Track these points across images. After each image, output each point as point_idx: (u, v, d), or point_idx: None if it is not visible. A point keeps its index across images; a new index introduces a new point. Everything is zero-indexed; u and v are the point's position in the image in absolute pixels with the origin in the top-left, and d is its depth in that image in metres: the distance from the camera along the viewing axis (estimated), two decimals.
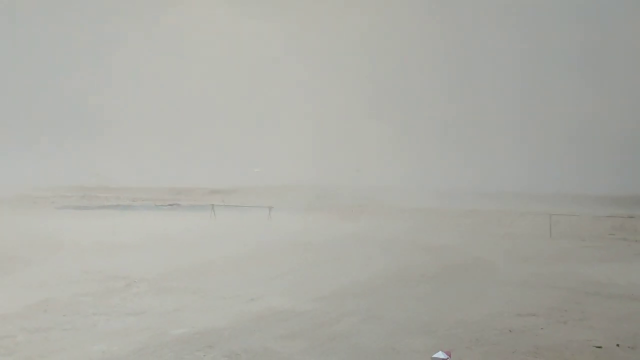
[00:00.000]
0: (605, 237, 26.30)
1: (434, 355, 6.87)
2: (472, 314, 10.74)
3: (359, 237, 24.65)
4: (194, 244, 21.53)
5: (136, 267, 15.65)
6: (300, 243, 22.11)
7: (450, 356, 6.97)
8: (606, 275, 15.33)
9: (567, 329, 9.87)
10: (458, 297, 12.42)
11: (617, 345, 8.96)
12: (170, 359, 8.12)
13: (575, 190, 48.71)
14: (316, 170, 54.68)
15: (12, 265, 15.52)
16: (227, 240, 23.09)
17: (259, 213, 36.91)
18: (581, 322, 10.28)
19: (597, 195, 47.73)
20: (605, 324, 10.16)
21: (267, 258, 18.09)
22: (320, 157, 56.66)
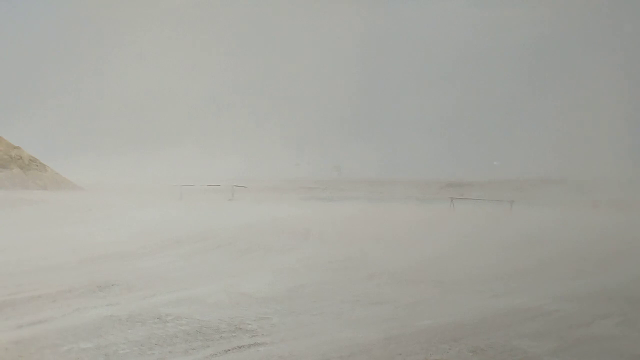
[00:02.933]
0: None
1: None
2: None
3: (600, 234, 23.06)
4: (433, 238, 21.55)
5: (377, 258, 16.03)
6: (543, 239, 21.19)
7: None
8: None
9: None
10: None
11: None
12: (415, 350, 8.19)
13: None
14: (559, 162, 51.95)
15: (266, 253, 16.65)
16: (466, 234, 22.80)
17: (499, 207, 36.02)
18: None
19: None
20: None
21: (509, 253, 17.59)
22: (560, 149, 53.73)
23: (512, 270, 14.68)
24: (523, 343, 8.53)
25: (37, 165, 50.38)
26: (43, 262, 14.44)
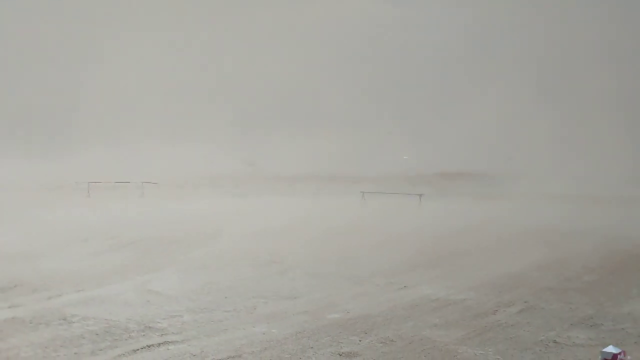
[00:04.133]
0: None
1: (604, 350, 6.50)
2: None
3: (512, 225, 23.90)
4: (345, 230, 21.76)
5: (290, 253, 16.06)
6: (451, 230, 21.76)
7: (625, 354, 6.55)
8: None
9: None
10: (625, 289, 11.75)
11: None
12: (327, 343, 8.27)
13: None
14: (466, 158, 53.44)
15: (177, 250, 16.41)
16: (378, 226, 23.15)
17: (409, 200, 36.72)
18: None
19: None
20: None
21: (419, 245, 17.96)
22: (477, 144, 55.25)
23: (421, 261, 15.01)
24: (432, 333, 8.75)
25: None
26: None
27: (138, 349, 7.96)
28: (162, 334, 8.55)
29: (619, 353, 6.41)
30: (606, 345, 7.20)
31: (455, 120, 57.22)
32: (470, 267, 14.26)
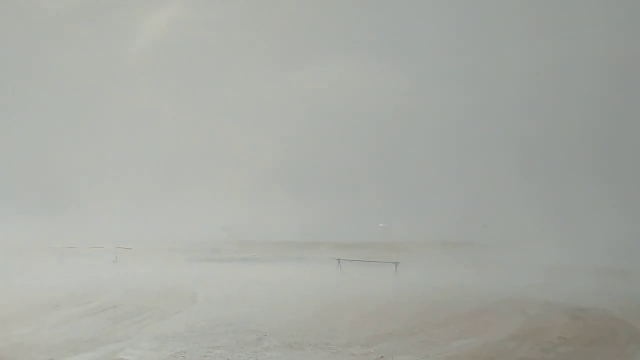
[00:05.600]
0: None
1: None
2: None
3: (489, 294, 23.90)
4: (321, 298, 21.61)
5: (265, 320, 15.88)
6: (428, 300, 21.71)
7: None
8: None
9: None
10: None
11: None
12: None
13: None
14: (443, 226, 53.68)
15: (151, 317, 16.16)
16: (354, 295, 23.02)
17: (385, 268, 36.64)
18: None
19: None
20: None
21: (395, 315, 17.87)
22: (450, 213, 55.57)
23: (399, 330, 14.91)
24: None
25: None
26: None
27: None
28: None
29: None
30: None
31: (436, 188, 57.69)
32: (447, 337, 14.18)
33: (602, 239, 40.91)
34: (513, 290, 25.00)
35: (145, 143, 61.45)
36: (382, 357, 11.75)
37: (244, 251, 52.32)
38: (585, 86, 52.72)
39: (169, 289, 23.22)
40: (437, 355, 12.00)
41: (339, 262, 36.99)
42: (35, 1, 61.00)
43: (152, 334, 13.69)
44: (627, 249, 39.82)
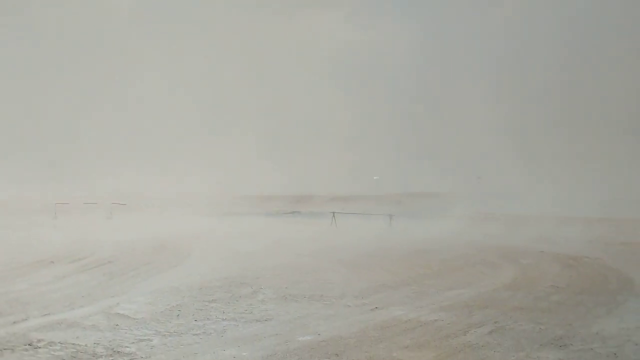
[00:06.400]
0: None
1: None
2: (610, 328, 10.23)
3: (482, 245, 24.08)
4: (316, 251, 21.73)
5: (261, 273, 15.97)
6: (421, 251, 21.87)
7: None
8: None
9: None
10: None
11: None
12: None
13: None
14: (436, 177, 53.77)
15: (146, 272, 16.22)
16: (349, 247, 23.15)
17: (379, 221, 36.82)
18: None
19: None
20: None
21: (389, 266, 17.99)
22: (443, 164, 55.62)
23: (392, 282, 15.03)
24: (403, 354, 8.73)
25: None
26: None
27: None
28: (130, 359, 8.41)
29: None
30: None
31: (430, 141, 57.62)
32: (441, 288, 14.30)
33: (595, 190, 41.14)
34: (505, 241, 25.20)
35: (139, 97, 60.93)
36: (376, 307, 11.83)
37: (239, 205, 52.50)
38: (581, 45, 52.56)
39: (164, 244, 23.30)
40: (431, 305, 12.10)
41: (333, 215, 37.16)
42: None
43: (148, 288, 13.74)
44: (619, 200, 40.08)
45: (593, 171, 44.26)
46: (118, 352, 8.68)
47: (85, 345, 8.92)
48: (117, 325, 10.19)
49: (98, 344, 9.03)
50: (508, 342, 9.38)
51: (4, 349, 8.65)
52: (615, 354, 8.78)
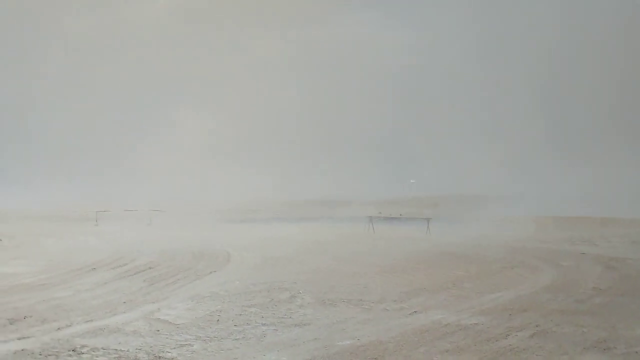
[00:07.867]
0: None
1: None
2: None
3: (524, 248, 23.81)
4: (353, 256, 21.72)
5: (299, 278, 16.02)
6: (459, 255, 21.72)
7: None
8: None
9: None
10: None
11: None
12: None
13: None
14: (472, 181, 53.43)
15: (186, 278, 16.37)
16: (386, 252, 23.08)
17: (417, 224, 36.66)
18: None
19: None
20: None
21: (427, 270, 17.91)
22: (475, 167, 55.24)
23: (431, 285, 14.95)
24: (443, 358, 8.68)
25: None
26: None
27: None
28: None
29: None
30: None
31: (463, 143, 57.31)
32: (480, 291, 14.18)
33: (635, 190, 40.43)
34: (540, 244, 24.87)
35: (181, 112, 61.89)
36: (415, 312, 11.79)
37: (277, 211, 52.77)
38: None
39: (203, 250, 23.49)
40: (471, 309, 12.01)
41: (370, 219, 37.12)
42: None
43: (188, 294, 13.87)
44: None
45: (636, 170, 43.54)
46: (160, 357, 8.78)
47: (128, 351, 9.04)
48: (158, 330, 10.31)
49: (140, 349, 9.15)
50: (550, 345, 9.27)
51: (49, 355, 8.82)
52: None
